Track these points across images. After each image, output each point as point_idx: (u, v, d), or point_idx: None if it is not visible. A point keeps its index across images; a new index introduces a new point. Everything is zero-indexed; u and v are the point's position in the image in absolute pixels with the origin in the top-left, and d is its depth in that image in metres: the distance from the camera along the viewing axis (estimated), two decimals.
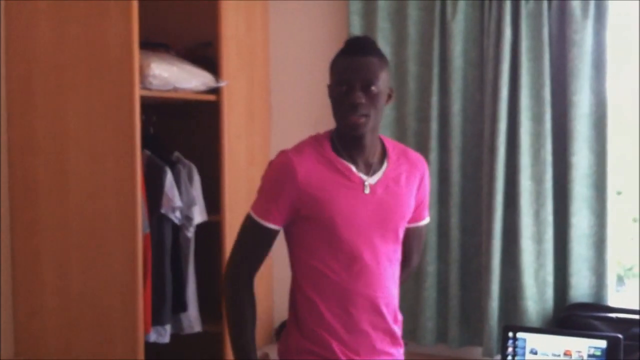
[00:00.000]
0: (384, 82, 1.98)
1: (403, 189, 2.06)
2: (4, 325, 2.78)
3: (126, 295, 2.61)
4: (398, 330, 2.12)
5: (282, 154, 2.03)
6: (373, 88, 1.95)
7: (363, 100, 1.93)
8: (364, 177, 2.01)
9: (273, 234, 2.03)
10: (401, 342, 2.13)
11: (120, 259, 2.62)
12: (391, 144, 2.13)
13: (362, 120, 1.94)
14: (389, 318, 2.07)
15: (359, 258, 1.98)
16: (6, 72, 2.79)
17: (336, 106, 1.99)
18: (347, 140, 2.01)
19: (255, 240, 2.04)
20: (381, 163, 2.05)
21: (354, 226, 1.98)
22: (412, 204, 2.10)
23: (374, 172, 2.03)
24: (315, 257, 1.99)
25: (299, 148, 2.04)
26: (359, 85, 1.94)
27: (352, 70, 1.95)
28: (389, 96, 2.03)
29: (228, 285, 2.03)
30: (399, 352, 2.12)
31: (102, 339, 2.64)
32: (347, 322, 2.00)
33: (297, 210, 1.98)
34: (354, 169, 2.00)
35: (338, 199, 1.97)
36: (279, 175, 1.99)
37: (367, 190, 2.00)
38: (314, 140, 2.06)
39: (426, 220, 2.24)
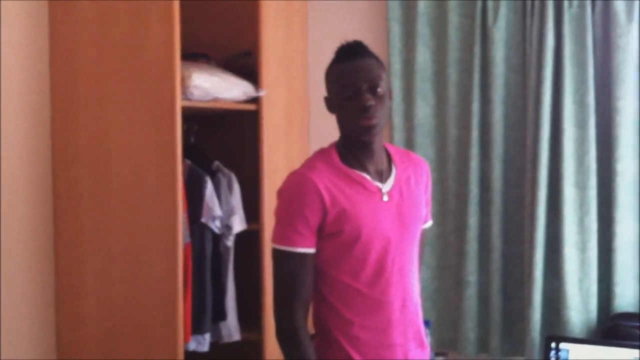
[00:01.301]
0: (386, 83, 1.96)
1: (414, 190, 2.04)
2: (47, 333, 2.82)
3: (166, 304, 2.63)
4: (424, 334, 2.09)
5: (295, 174, 1.97)
6: (379, 89, 1.91)
7: (373, 102, 1.89)
8: (379, 184, 1.98)
9: (310, 258, 1.93)
10: (426, 343, 2.10)
11: (161, 268, 2.64)
12: (392, 149, 2.10)
13: (375, 121, 1.90)
14: (419, 324, 2.05)
15: (387, 267, 1.96)
16: (52, 86, 2.84)
17: (343, 113, 1.94)
18: (356, 148, 1.97)
19: (295, 274, 1.92)
20: (390, 168, 2.03)
21: (380, 236, 1.94)
22: (423, 204, 2.08)
23: (387, 179, 2.00)
24: (341, 271, 1.94)
25: (311, 165, 1.98)
26: (365, 87, 1.90)
27: (355, 73, 1.91)
28: (390, 97, 2.00)
29: (287, 337, 1.92)
30: (425, 353, 2.08)
31: (142, 348, 2.66)
32: (380, 334, 1.96)
33: (322, 229, 1.92)
34: (368, 178, 1.97)
35: (361, 210, 1.93)
36: (301, 193, 1.91)
37: (385, 198, 1.97)
38: (322, 154, 2.01)
39: (430, 223, 2.20)
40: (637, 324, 2.91)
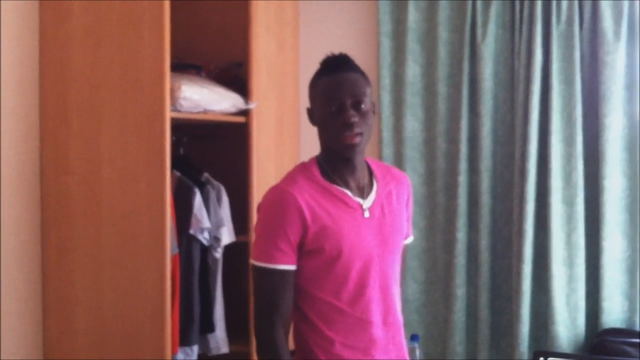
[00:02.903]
0: (370, 98, 1.92)
1: (395, 206, 2.01)
2: (35, 344, 2.80)
3: (155, 315, 2.62)
4: (406, 351, 2.06)
5: (276, 188, 1.93)
6: (363, 106, 1.88)
7: (357, 119, 1.86)
8: (360, 201, 1.94)
9: (290, 275, 1.88)
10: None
11: (150, 279, 2.63)
12: (374, 164, 2.07)
13: (358, 139, 1.87)
14: (401, 341, 2.02)
15: (369, 285, 1.92)
16: (41, 92, 2.84)
17: (326, 127, 1.90)
18: (338, 163, 1.93)
19: (275, 291, 1.87)
20: (371, 184, 1.99)
21: (361, 253, 1.90)
22: (405, 220, 2.05)
23: (368, 194, 1.96)
24: (322, 290, 1.91)
25: (291, 179, 1.94)
26: (349, 103, 1.87)
27: (339, 88, 1.87)
28: (374, 112, 1.96)
29: (266, 354, 1.88)
30: None
31: (130, 358, 2.65)
32: (362, 353, 1.93)
33: (302, 245, 1.88)
34: (349, 193, 1.93)
35: (343, 227, 1.89)
36: (282, 209, 1.87)
37: (366, 214, 1.94)
38: (303, 169, 1.97)
39: (411, 238, 2.16)
40: (625, 339, 2.92)
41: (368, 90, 1.92)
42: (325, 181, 1.93)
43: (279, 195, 1.90)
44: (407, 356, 2.06)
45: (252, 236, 2.96)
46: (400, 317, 2.03)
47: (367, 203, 1.95)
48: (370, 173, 2.01)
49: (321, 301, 1.91)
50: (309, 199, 1.88)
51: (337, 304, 1.91)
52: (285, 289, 1.89)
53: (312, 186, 1.91)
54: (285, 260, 1.87)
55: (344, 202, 1.92)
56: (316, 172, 1.94)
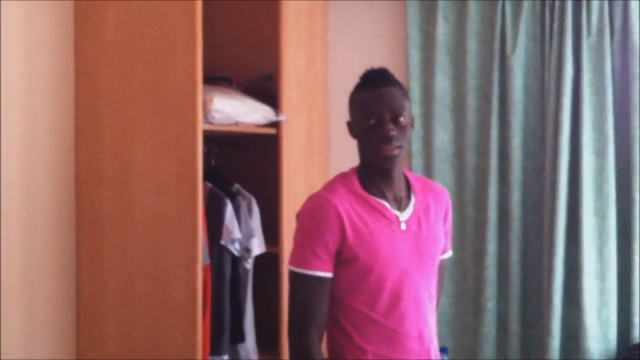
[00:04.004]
0: (408, 112, 1.94)
1: (433, 221, 2.01)
2: (68, 352, 2.84)
3: (186, 325, 2.64)
4: None
5: (316, 197, 1.95)
6: (402, 119, 1.90)
7: (395, 132, 1.89)
8: (397, 213, 1.95)
9: (326, 282, 1.90)
10: None
11: (181, 289, 2.66)
12: (413, 177, 2.08)
13: (396, 152, 1.90)
14: (436, 355, 2.02)
15: (403, 297, 1.93)
16: (76, 105, 2.89)
17: (365, 140, 1.93)
18: (376, 175, 1.95)
19: (312, 299, 1.89)
20: (408, 197, 2.00)
21: (396, 265, 1.91)
22: (442, 235, 2.06)
23: (405, 207, 1.97)
24: (358, 299, 1.92)
25: (331, 188, 1.96)
26: (388, 117, 1.89)
27: (378, 102, 1.90)
28: (412, 126, 1.98)
29: (299, 357, 1.89)
30: None
31: None
32: None
33: (339, 253, 1.90)
34: (387, 205, 1.95)
35: (379, 238, 1.91)
36: (321, 216, 1.89)
37: (403, 227, 1.95)
38: (343, 178, 1.99)
39: (449, 254, 2.16)
40: None
41: (407, 105, 1.95)
42: (363, 192, 1.95)
43: (319, 202, 1.92)
44: None
45: (283, 246, 3.03)
46: (435, 331, 2.03)
47: (404, 216, 1.96)
48: (409, 186, 2.02)
49: (356, 311, 1.92)
50: (348, 208, 1.90)
51: (371, 314, 1.92)
52: (320, 295, 1.90)
53: (351, 196, 1.93)
54: (322, 267, 1.89)
55: (381, 213, 1.94)
56: (355, 182, 1.96)
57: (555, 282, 3.04)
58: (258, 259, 2.99)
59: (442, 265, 2.12)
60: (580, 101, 3.09)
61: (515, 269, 3.16)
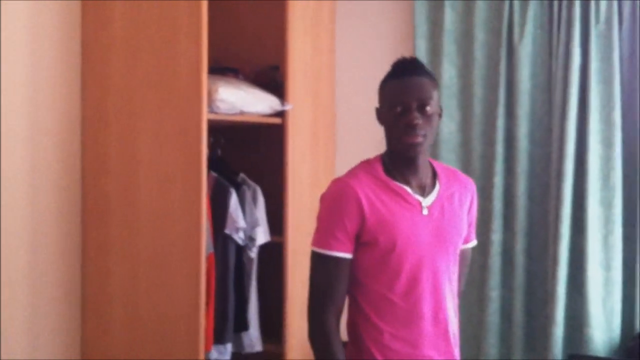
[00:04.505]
0: (436, 102, 1.98)
1: (457, 208, 2.05)
2: (73, 340, 2.88)
3: (189, 314, 2.67)
4: (457, 352, 2.10)
5: (338, 181, 2.02)
6: (428, 108, 1.94)
7: (420, 121, 1.93)
8: (420, 198, 2.00)
9: (345, 263, 1.96)
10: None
11: (185, 278, 2.69)
12: (439, 166, 2.12)
13: (420, 139, 1.94)
14: (452, 340, 2.05)
15: (421, 280, 1.97)
16: (83, 96, 2.92)
17: (391, 127, 1.98)
18: (400, 162, 2.00)
19: (331, 278, 1.96)
20: (433, 184, 2.04)
21: (416, 249, 1.96)
22: (465, 223, 2.10)
23: (428, 193, 2.02)
24: (377, 281, 1.97)
25: (353, 173, 2.02)
26: (414, 106, 1.93)
27: (406, 91, 1.94)
28: (439, 116, 2.02)
29: (317, 337, 1.96)
30: None
31: (165, 356, 2.71)
32: (410, 346, 1.98)
33: (359, 236, 1.96)
34: (409, 190, 1.99)
35: (399, 221, 1.95)
36: (341, 200, 1.95)
37: (425, 212, 1.99)
38: (366, 165, 2.05)
39: (473, 243, 2.21)
40: None
41: (435, 94, 1.98)
42: (386, 177, 2.00)
43: (339, 187, 1.99)
44: (457, 355, 2.09)
45: (288, 236, 3.04)
46: (453, 317, 2.06)
47: (426, 202, 2.00)
48: (434, 175, 2.06)
49: (375, 292, 1.98)
50: (368, 192, 1.96)
51: (389, 296, 1.96)
52: (339, 275, 1.96)
53: (373, 181, 1.98)
54: (341, 248, 1.95)
55: (403, 198, 1.98)
56: (379, 168, 2.01)
57: (559, 272, 3.03)
58: (263, 248, 3.02)
59: (466, 255, 2.19)
60: (587, 90, 3.06)
61: (519, 258, 3.15)
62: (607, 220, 3.04)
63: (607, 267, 3.02)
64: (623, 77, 3.09)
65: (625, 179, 3.06)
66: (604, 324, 3.01)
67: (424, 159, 2.02)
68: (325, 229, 1.98)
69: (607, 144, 3.06)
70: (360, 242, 1.97)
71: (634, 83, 3.08)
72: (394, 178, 2.00)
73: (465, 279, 2.26)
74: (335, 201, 1.97)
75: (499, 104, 3.20)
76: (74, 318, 2.88)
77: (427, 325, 1.99)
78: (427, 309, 1.98)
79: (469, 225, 2.14)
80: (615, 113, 3.05)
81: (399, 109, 1.94)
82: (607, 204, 3.04)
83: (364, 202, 1.94)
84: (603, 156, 3.07)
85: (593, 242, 3.02)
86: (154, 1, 2.75)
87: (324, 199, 2.02)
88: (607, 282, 3.02)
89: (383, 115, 2.02)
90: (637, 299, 2.99)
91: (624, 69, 3.09)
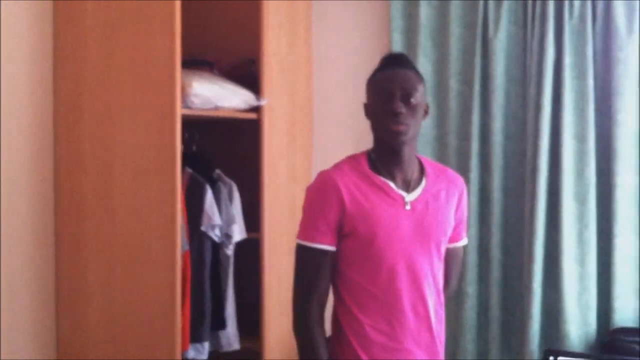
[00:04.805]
0: (421, 95, 2.01)
1: (443, 205, 2.07)
2: (48, 338, 2.84)
3: (166, 312, 2.64)
4: (441, 350, 2.10)
5: (322, 173, 2.06)
6: (412, 100, 1.97)
7: (403, 110, 1.96)
8: (403, 193, 2.02)
9: (329, 255, 2.01)
10: (440, 355, 2.11)
11: (161, 276, 2.66)
12: (429, 163, 2.15)
13: (403, 127, 1.96)
14: (434, 335, 2.06)
15: (401, 274, 1.99)
16: (55, 91, 2.86)
17: (376, 117, 2.01)
18: (386, 154, 2.03)
19: (314, 270, 2.01)
20: (419, 180, 2.06)
21: (396, 242, 1.99)
22: (452, 220, 2.10)
23: (413, 189, 2.04)
24: (358, 272, 2.00)
25: (337, 167, 2.06)
26: (398, 94, 1.97)
27: (391, 80, 1.98)
28: (425, 112, 2.05)
29: (301, 328, 2.01)
30: None
31: (142, 355, 2.67)
32: (390, 339, 2.00)
33: (341, 227, 1.99)
34: (392, 185, 2.02)
35: (380, 214, 1.98)
36: (323, 193, 2.00)
37: (407, 207, 2.01)
38: (352, 159, 2.08)
39: (464, 241, 2.23)
40: (637, 339, 2.90)
41: (420, 87, 2.01)
42: (370, 171, 2.03)
43: (322, 179, 2.04)
44: (440, 348, 2.10)
45: (264, 232, 3.02)
46: (437, 312, 2.07)
47: (410, 197, 2.03)
48: (422, 171, 2.08)
49: (356, 284, 2.01)
50: (349, 184, 2.00)
51: (370, 288, 2.00)
52: (321, 267, 2.00)
53: (356, 174, 2.02)
54: (323, 240, 1.99)
55: (385, 192, 2.01)
56: (363, 162, 2.05)
57: (535, 267, 3.05)
58: (240, 244, 2.99)
59: (457, 253, 2.21)
60: (561, 85, 3.08)
61: (495, 253, 3.17)
62: (582, 215, 3.06)
63: (582, 262, 3.05)
64: (596, 72, 3.11)
65: (599, 174, 3.08)
66: (579, 319, 3.04)
67: (409, 152, 2.04)
68: (308, 221, 2.02)
69: (581, 139, 3.08)
70: (342, 233, 2.00)
71: (607, 78, 3.10)
72: (379, 173, 2.03)
73: (457, 277, 2.28)
74: (317, 193, 2.02)
75: (474, 99, 3.21)
76: (48, 317, 2.84)
77: (408, 319, 2.01)
78: (407, 303, 2.01)
79: (459, 224, 2.15)
80: (589, 108, 3.07)
81: (384, 98, 1.98)
82: (581, 199, 3.06)
83: (344, 192, 1.98)
84: (577, 151, 3.09)
85: (568, 237, 3.05)
86: None
87: (308, 191, 2.07)
88: (582, 277, 3.04)
89: (370, 107, 2.04)
90: (613, 294, 3.01)
91: (598, 65, 3.11)
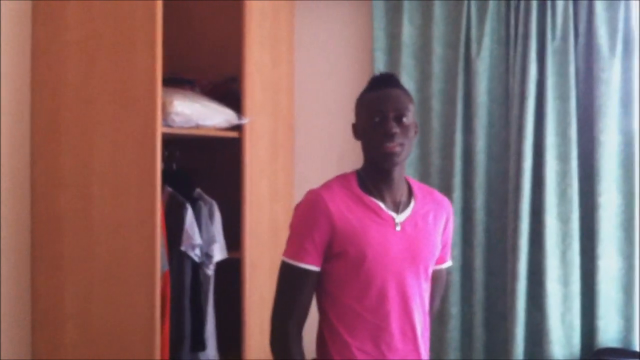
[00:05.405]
0: (413, 115, 2.02)
1: (431, 227, 2.06)
2: (23, 358, 2.77)
3: (145, 333, 2.59)
4: None
5: (311, 192, 2.03)
6: (405, 119, 1.97)
7: (397, 130, 1.95)
8: (393, 214, 2.00)
9: (313, 276, 1.98)
10: None
11: (140, 296, 2.61)
12: (416, 184, 2.14)
13: (398, 149, 1.96)
14: (421, 357, 2.04)
15: (391, 295, 1.97)
16: (33, 106, 2.82)
17: (369, 138, 1.99)
18: (376, 175, 2.01)
19: (296, 288, 1.98)
20: (408, 201, 2.05)
21: (385, 263, 1.97)
22: (439, 243, 2.09)
23: (402, 210, 2.03)
24: (346, 294, 1.98)
25: (327, 186, 2.04)
26: (392, 115, 1.96)
27: (384, 101, 1.97)
28: (415, 132, 2.04)
29: (277, 344, 1.98)
30: None
31: None
32: None
33: (330, 248, 1.97)
34: (382, 206, 2.00)
35: (370, 234, 1.96)
36: (312, 212, 1.97)
37: (397, 228, 2.00)
38: (341, 178, 2.06)
39: (448, 263, 2.21)
40: (621, 359, 2.89)
41: (411, 107, 2.01)
42: (360, 191, 2.01)
43: (311, 198, 2.00)
44: None
45: (245, 252, 2.99)
46: (423, 334, 2.05)
47: (400, 218, 2.01)
48: (410, 192, 2.07)
49: (344, 305, 1.98)
50: (339, 203, 1.97)
51: (358, 309, 1.97)
52: (304, 286, 1.98)
53: (346, 193, 2.00)
54: (308, 260, 1.97)
55: (375, 212, 1.99)
56: (353, 182, 2.03)
57: (518, 287, 3.04)
58: (220, 264, 2.95)
59: (441, 275, 2.19)
60: (544, 105, 3.09)
61: (479, 273, 3.15)
62: (565, 235, 3.06)
63: (566, 282, 3.04)
64: (579, 92, 3.12)
65: (581, 194, 3.08)
66: (563, 339, 3.02)
67: (400, 173, 2.03)
68: (295, 240, 2.00)
69: (564, 159, 3.08)
70: (331, 254, 1.97)
71: (590, 98, 3.11)
72: (369, 193, 2.01)
73: (440, 299, 2.26)
74: (306, 212, 1.99)
75: (457, 118, 3.21)
76: (24, 338, 2.77)
77: (396, 341, 2.00)
78: (395, 325, 1.99)
79: (444, 246, 2.14)
80: (572, 128, 3.07)
81: (377, 118, 1.96)
82: (564, 219, 3.06)
83: (334, 213, 1.95)
84: (560, 171, 3.09)
85: (551, 257, 3.04)
86: (108, 10, 2.68)
87: (296, 209, 2.04)
88: (566, 297, 3.03)
89: (360, 128, 2.03)
90: (596, 314, 3.00)
91: (580, 84, 3.12)
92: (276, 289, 2.02)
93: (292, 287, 1.99)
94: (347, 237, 1.95)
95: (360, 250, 1.95)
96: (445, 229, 2.12)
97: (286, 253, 2.01)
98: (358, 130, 2.04)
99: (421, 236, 2.03)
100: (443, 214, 2.11)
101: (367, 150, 2.02)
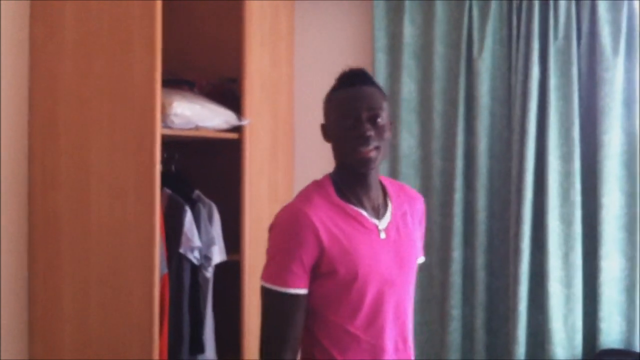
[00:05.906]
0: (387, 113, 1.87)
1: (410, 227, 1.96)
2: None
3: (143, 336, 2.57)
4: None
5: (290, 207, 1.86)
6: (379, 120, 1.83)
7: (372, 133, 1.81)
8: (375, 222, 1.89)
9: (303, 300, 1.81)
10: None
11: (138, 299, 2.59)
12: (388, 182, 2.01)
13: (373, 153, 1.82)
14: None
15: (385, 309, 1.87)
16: (30, 107, 2.81)
17: (341, 142, 1.85)
18: (352, 180, 1.87)
19: (287, 316, 1.80)
20: (385, 203, 1.93)
21: (378, 276, 1.85)
22: (418, 241, 2.01)
23: (383, 215, 1.91)
24: (337, 313, 1.84)
25: (306, 197, 1.87)
26: (365, 117, 1.82)
27: (356, 101, 1.83)
28: (390, 130, 1.90)
29: None
30: None
31: None
32: None
33: (317, 267, 1.81)
34: (365, 214, 1.88)
35: (359, 250, 1.83)
36: (296, 229, 1.80)
37: (382, 236, 1.88)
38: (318, 187, 1.90)
39: (422, 259, 2.10)
40: None
41: (385, 105, 1.87)
42: (340, 200, 1.86)
43: (293, 215, 1.83)
44: None
45: (245, 254, 2.96)
46: (411, 338, 1.97)
47: (382, 224, 1.90)
48: (385, 192, 1.96)
49: (334, 325, 1.85)
50: (324, 219, 1.81)
51: (350, 328, 1.85)
52: (296, 313, 1.81)
53: (327, 205, 1.84)
54: (297, 284, 1.80)
55: (360, 223, 1.86)
56: (331, 190, 1.88)
57: (520, 289, 3.01)
58: (219, 267, 2.93)
59: (416, 271, 2.06)
60: (546, 105, 3.06)
61: (480, 275, 3.13)
62: (567, 237, 3.03)
63: (568, 284, 3.02)
64: (581, 92, 3.09)
65: (584, 195, 3.06)
66: (565, 341, 3.00)
67: (375, 176, 1.91)
68: (279, 263, 1.81)
69: (566, 159, 3.06)
70: (318, 273, 1.82)
71: (592, 98, 3.08)
72: (348, 200, 1.87)
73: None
74: (289, 231, 1.81)
75: (459, 119, 3.18)
76: (21, 341, 2.76)
77: (389, 357, 1.89)
78: (388, 339, 1.89)
79: (419, 241, 2.04)
80: (574, 128, 3.05)
81: (349, 120, 1.82)
82: (567, 220, 3.04)
83: (321, 230, 1.80)
84: (562, 172, 3.06)
85: (553, 258, 3.01)
86: (106, 10, 2.66)
87: (275, 228, 1.86)
88: (568, 298, 3.01)
89: (331, 130, 1.88)
90: (599, 315, 2.98)
91: (583, 84, 3.10)
92: (264, 318, 1.85)
93: (282, 316, 1.81)
94: (336, 256, 1.80)
95: (351, 269, 1.81)
96: (420, 225, 2.02)
97: (269, 279, 1.82)
98: (328, 132, 1.90)
99: (404, 240, 1.92)
100: (418, 210, 2.01)
101: (340, 154, 1.88)
